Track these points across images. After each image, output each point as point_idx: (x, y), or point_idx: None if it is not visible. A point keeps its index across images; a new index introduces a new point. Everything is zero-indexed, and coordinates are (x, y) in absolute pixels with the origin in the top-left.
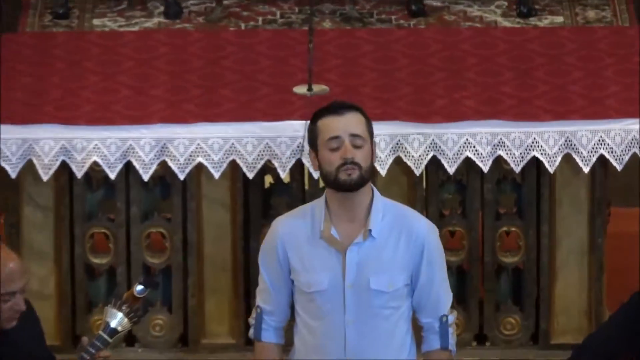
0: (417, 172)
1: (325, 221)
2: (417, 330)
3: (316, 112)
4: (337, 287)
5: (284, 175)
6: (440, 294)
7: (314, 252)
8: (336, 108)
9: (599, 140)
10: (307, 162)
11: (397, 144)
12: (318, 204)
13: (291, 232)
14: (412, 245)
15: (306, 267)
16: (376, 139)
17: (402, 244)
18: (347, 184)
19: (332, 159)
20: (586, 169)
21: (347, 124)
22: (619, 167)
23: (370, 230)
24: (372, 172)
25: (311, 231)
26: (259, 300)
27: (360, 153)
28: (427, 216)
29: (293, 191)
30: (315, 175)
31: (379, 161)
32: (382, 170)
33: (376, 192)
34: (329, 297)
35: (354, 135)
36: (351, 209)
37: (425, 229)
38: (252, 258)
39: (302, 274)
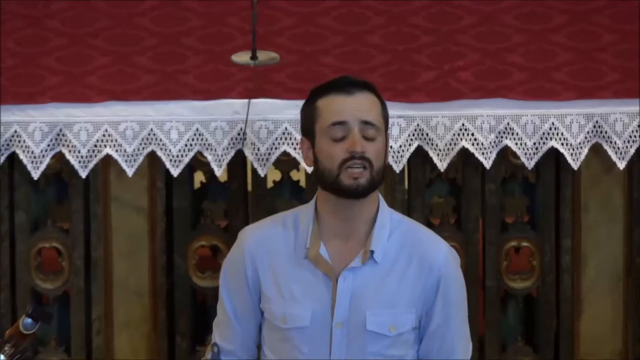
0: (397, 168)
1: (313, 235)
2: None
3: (315, 89)
4: (323, 325)
5: (220, 172)
6: (457, 343)
7: (295, 276)
8: (344, 84)
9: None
10: (250, 153)
11: None
12: (304, 211)
13: (265, 247)
14: (426, 276)
15: (283, 295)
16: None
17: (412, 274)
18: (352, 189)
19: (335, 152)
20: (621, 164)
21: (358, 106)
22: None
23: (372, 252)
24: (385, 174)
25: (293, 247)
26: (217, 336)
27: (373, 147)
28: None
29: (232, 193)
30: (309, 170)
31: None
32: None
33: (382, 202)
34: (311, 337)
35: (365, 123)
36: (349, 222)
37: (443, 256)
38: (177, 280)
39: (276, 303)
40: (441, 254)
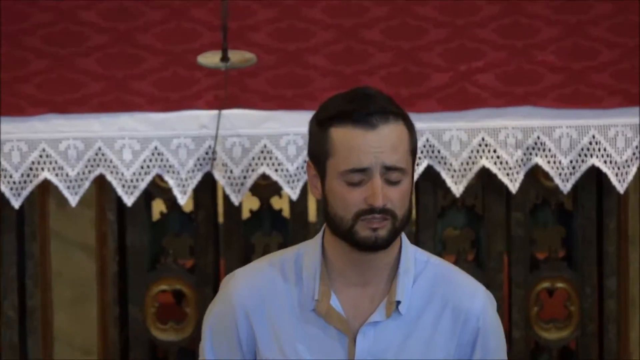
0: None
1: (322, 284)
2: None
3: (329, 108)
4: None
5: (184, 200)
6: None
7: (302, 334)
8: (365, 114)
9: None
10: (221, 176)
11: None
12: (308, 252)
13: (262, 298)
14: (461, 330)
15: (287, 357)
16: None
17: (445, 328)
18: (369, 242)
19: (350, 200)
20: None
21: (382, 146)
22: None
23: (397, 303)
24: (410, 216)
25: (297, 298)
26: None
27: (397, 193)
28: None
29: (199, 226)
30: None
31: None
32: None
33: (405, 239)
34: None
35: (390, 169)
36: (366, 269)
37: (481, 304)
38: (132, 334)
39: None
40: (479, 301)
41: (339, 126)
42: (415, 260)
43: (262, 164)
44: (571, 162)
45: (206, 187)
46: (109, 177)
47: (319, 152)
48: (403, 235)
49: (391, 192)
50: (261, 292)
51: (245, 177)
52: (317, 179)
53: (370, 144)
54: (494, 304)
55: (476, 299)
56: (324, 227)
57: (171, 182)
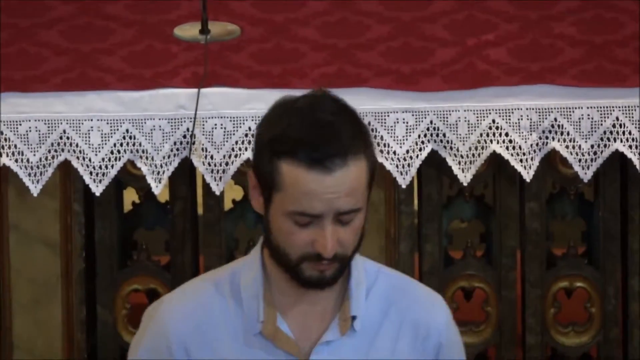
0: (403, 183)
1: (266, 304)
2: None
3: (281, 132)
4: None
5: (159, 189)
6: None
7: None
8: (322, 156)
9: None
10: (200, 163)
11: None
12: (246, 270)
13: (198, 323)
14: (423, 345)
15: None
16: None
17: (405, 342)
18: (314, 282)
19: (297, 240)
20: None
21: (337, 192)
22: None
23: (352, 318)
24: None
25: (239, 322)
26: None
27: (349, 232)
28: (422, 263)
29: (175, 218)
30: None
31: None
32: None
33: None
34: None
35: (345, 213)
36: None
37: (443, 317)
38: (101, 339)
39: None
40: (440, 315)
41: (291, 164)
42: (365, 272)
43: (246, 149)
44: (592, 146)
45: (184, 174)
46: (75, 164)
47: (265, 178)
48: None
49: (343, 233)
50: (197, 319)
51: (227, 164)
52: (259, 194)
53: (325, 190)
54: (451, 314)
55: (437, 312)
56: (262, 240)
57: (144, 169)
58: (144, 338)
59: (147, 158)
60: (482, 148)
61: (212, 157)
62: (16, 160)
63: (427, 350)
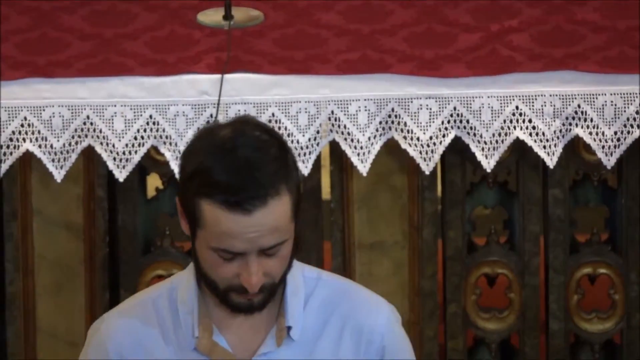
0: (427, 169)
1: (202, 319)
2: None
3: (200, 168)
4: None
5: None
6: None
7: None
8: (240, 200)
9: None
10: None
11: (389, 116)
12: (182, 284)
13: (139, 341)
14: (365, 350)
15: None
16: (353, 108)
17: (347, 348)
18: (241, 308)
19: (222, 272)
20: None
21: (260, 230)
22: None
23: (288, 329)
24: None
25: (175, 337)
26: None
27: (276, 262)
28: (445, 249)
29: None
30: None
31: (356, 152)
32: (363, 166)
33: (294, 252)
34: None
35: (268, 249)
36: None
37: (384, 320)
38: None
39: None
40: (381, 317)
41: (211, 204)
42: (304, 279)
43: None
44: (615, 133)
45: None
46: (99, 149)
47: (188, 211)
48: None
49: (269, 264)
50: (137, 335)
51: None
52: (185, 222)
53: (246, 231)
54: (399, 317)
55: (378, 315)
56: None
57: (168, 155)
58: (86, 354)
59: (170, 144)
60: (506, 134)
61: None
62: (40, 146)
63: (370, 354)
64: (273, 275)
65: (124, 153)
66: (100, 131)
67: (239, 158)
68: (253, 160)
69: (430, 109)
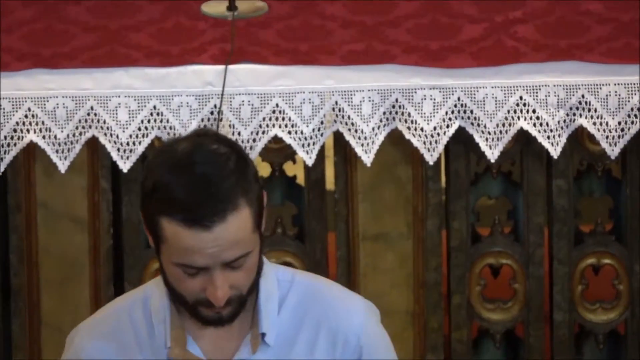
0: (430, 159)
1: (174, 328)
2: None
3: (158, 185)
4: None
5: None
6: None
7: None
8: (199, 217)
9: None
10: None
11: (393, 107)
12: (155, 293)
13: (114, 351)
14: (342, 351)
15: None
16: (357, 99)
17: (323, 351)
18: (211, 321)
19: (188, 287)
20: None
21: (221, 245)
22: None
23: (262, 335)
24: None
25: (150, 347)
26: None
27: (242, 274)
28: (449, 240)
29: None
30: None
31: (360, 142)
32: (367, 157)
33: (262, 262)
34: None
35: (231, 262)
36: None
37: (360, 319)
38: None
39: None
40: (357, 317)
41: (170, 221)
42: (278, 282)
43: (273, 126)
44: (619, 123)
45: None
46: (103, 140)
47: (150, 226)
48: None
49: (235, 276)
50: (111, 345)
51: (254, 140)
52: (149, 235)
53: (206, 246)
54: (376, 313)
55: (353, 316)
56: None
57: None
58: None
59: (174, 135)
60: (510, 125)
61: (239, 134)
62: (44, 137)
63: (347, 354)
64: (240, 287)
65: (127, 144)
66: (104, 122)
67: (196, 174)
68: (210, 176)
69: (434, 99)
